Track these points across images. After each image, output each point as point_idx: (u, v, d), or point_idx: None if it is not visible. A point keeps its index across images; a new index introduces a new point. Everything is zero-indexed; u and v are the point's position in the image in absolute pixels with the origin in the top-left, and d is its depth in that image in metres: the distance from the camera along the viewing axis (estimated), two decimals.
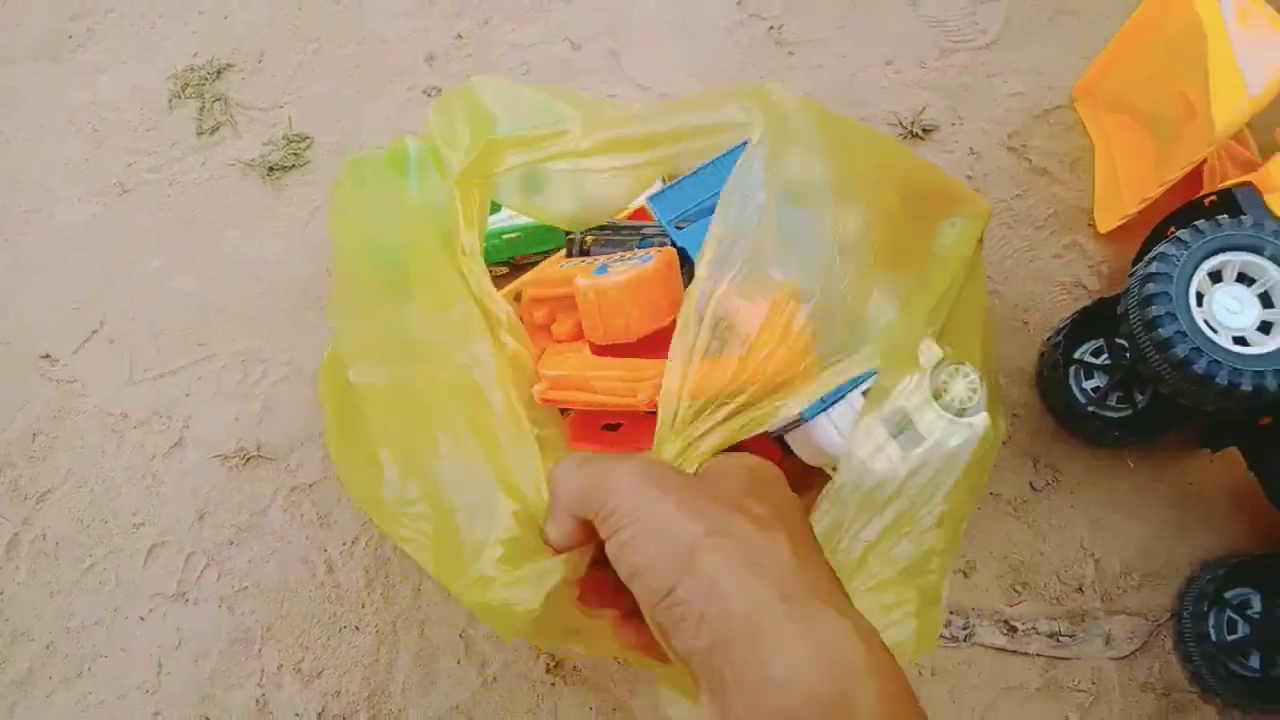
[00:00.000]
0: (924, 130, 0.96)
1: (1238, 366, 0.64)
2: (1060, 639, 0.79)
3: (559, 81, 1.02)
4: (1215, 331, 0.66)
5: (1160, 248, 0.69)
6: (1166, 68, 0.83)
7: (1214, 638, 0.75)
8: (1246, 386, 0.64)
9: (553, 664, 0.80)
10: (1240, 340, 0.66)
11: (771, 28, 1.02)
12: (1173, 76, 0.82)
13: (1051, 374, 0.83)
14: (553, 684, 0.79)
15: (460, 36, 1.05)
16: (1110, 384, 0.81)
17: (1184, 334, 0.65)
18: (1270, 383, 0.64)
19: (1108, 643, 0.79)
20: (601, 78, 1.02)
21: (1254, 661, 0.74)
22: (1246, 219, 0.68)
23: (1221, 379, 0.64)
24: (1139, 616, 0.80)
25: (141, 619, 0.84)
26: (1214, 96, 0.75)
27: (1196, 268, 0.68)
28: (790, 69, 1.00)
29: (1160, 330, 0.66)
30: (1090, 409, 0.81)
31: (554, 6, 1.06)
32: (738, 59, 1.01)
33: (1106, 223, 0.90)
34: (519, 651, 0.80)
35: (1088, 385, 0.82)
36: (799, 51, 1.01)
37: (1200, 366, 0.64)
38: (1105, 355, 0.81)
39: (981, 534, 0.83)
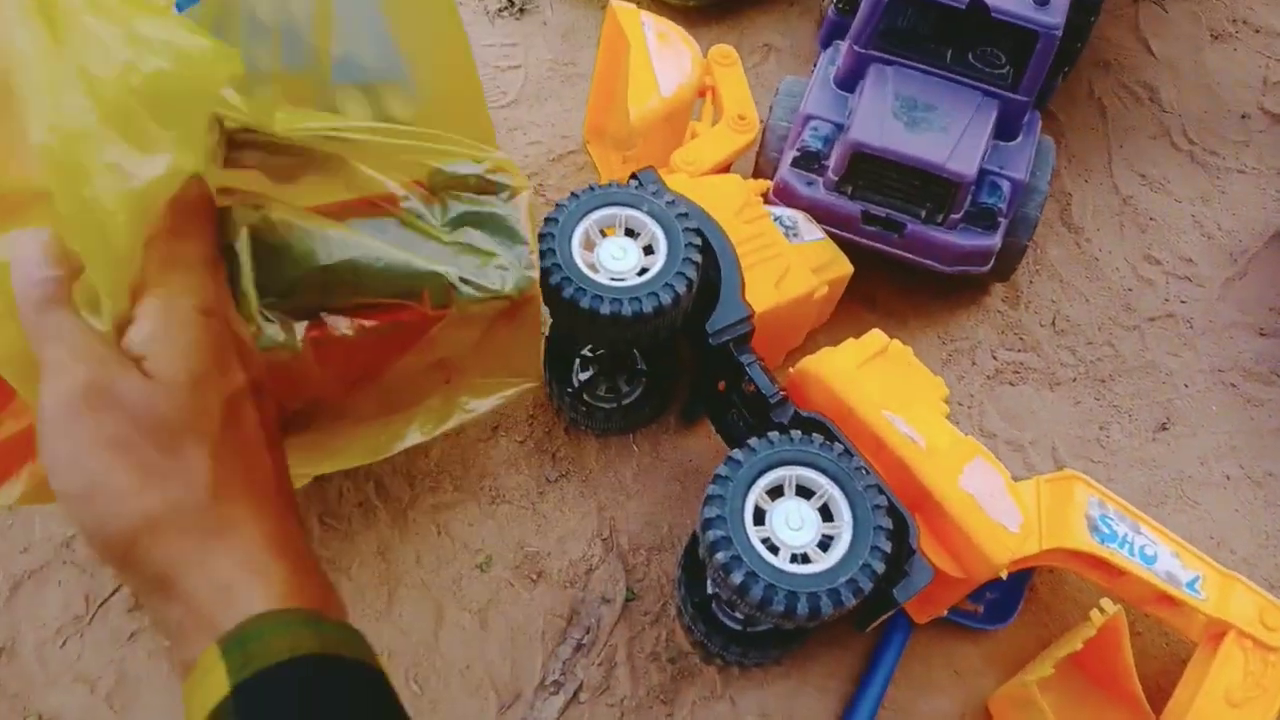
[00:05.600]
0: None
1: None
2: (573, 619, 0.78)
3: None
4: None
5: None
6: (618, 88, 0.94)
7: (700, 595, 0.75)
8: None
9: None
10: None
11: None
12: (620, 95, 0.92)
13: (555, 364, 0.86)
14: None
15: None
16: (597, 374, 0.85)
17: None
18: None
19: (620, 617, 0.78)
20: None
21: (739, 613, 0.75)
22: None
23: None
24: (651, 589, 0.80)
25: None
26: (632, 92, 0.85)
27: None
28: None
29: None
30: (584, 395, 0.84)
31: None
32: None
33: None
34: None
35: (583, 375, 0.86)
36: None
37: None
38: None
39: (497, 532, 0.82)
